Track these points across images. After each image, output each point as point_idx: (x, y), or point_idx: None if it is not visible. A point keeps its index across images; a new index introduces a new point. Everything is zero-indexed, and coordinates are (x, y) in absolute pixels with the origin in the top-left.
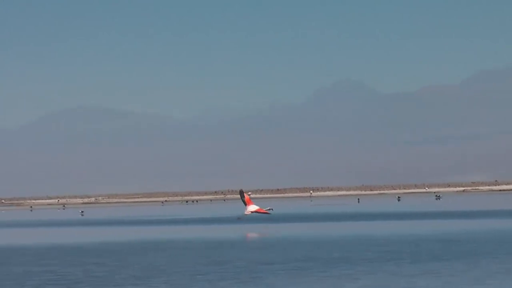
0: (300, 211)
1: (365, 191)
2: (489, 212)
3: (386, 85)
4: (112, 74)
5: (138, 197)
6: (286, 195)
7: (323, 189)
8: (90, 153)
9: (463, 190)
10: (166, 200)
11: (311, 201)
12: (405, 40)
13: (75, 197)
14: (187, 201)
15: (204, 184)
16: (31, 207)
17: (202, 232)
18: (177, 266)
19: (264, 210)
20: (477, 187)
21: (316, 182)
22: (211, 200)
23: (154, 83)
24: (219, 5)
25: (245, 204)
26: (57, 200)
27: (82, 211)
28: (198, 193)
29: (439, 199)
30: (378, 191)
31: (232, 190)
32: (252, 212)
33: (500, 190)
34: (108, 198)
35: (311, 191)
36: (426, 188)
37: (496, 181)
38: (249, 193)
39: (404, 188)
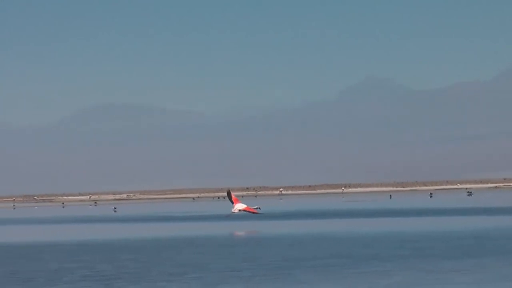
0: (332, 208)
1: (396, 187)
2: None
3: (416, 82)
4: (112, 74)
5: (169, 194)
6: (318, 191)
7: (354, 186)
8: (115, 152)
9: (495, 187)
10: (197, 197)
11: (343, 197)
12: (405, 40)
13: (107, 193)
14: (218, 198)
15: (235, 181)
16: (63, 203)
17: (233, 228)
18: (210, 263)
19: (252, 208)
20: (509, 183)
21: (348, 178)
22: (242, 197)
23: (154, 83)
24: (219, 5)
25: (232, 203)
26: (88, 197)
27: (115, 208)
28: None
29: (471, 195)
30: (409, 188)
31: (264, 187)
32: (239, 210)
33: None
34: (140, 194)
35: (343, 188)
36: (458, 185)
37: None
38: (281, 189)
39: (436, 185)
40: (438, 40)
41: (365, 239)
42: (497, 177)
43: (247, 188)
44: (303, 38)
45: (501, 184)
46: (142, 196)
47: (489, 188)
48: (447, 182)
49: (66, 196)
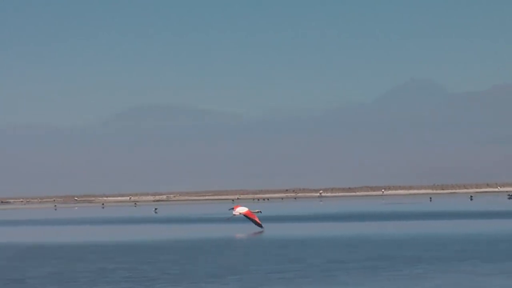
0: (372, 210)
1: (436, 190)
2: None
3: (456, 84)
4: (112, 74)
5: (209, 195)
6: (357, 193)
7: (394, 188)
8: (155, 151)
9: None
10: (237, 198)
11: (383, 199)
12: (406, 39)
13: (147, 194)
14: (258, 199)
15: (275, 183)
16: (102, 204)
17: (274, 230)
18: (251, 264)
19: (252, 214)
20: None
21: (388, 180)
22: (282, 198)
23: (154, 83)
24: (219, 5)
25: (233, 208)
26: (128, 198)
27: (155, 209)
28: (268, 191)
29: None
30: (449, 190)
31: (304, 189)
32: (240, 213)
33: None
34: (180, 195)
35: (383, 190)
36: (499, 188)
37: None
38: (320, 191)
39: (476, 188)
40: (438, 40)
41: (406, 242)
42: None
43: (287, 190)
44: (303, 38)
45: None
46: (181, 198)
47: None
48: (487, 185)
49: (106, 197)
